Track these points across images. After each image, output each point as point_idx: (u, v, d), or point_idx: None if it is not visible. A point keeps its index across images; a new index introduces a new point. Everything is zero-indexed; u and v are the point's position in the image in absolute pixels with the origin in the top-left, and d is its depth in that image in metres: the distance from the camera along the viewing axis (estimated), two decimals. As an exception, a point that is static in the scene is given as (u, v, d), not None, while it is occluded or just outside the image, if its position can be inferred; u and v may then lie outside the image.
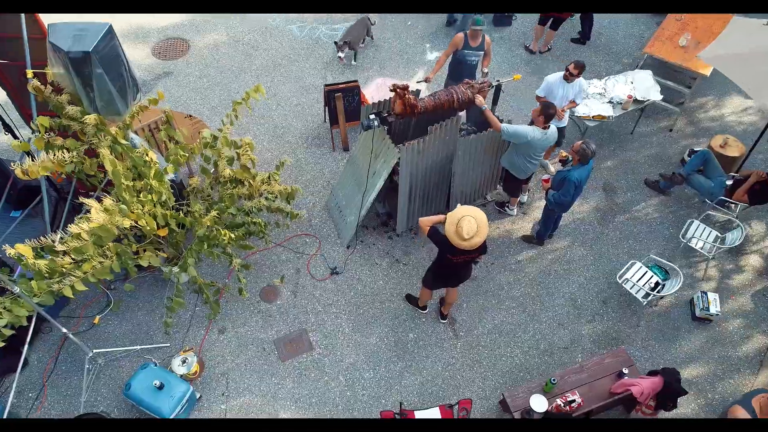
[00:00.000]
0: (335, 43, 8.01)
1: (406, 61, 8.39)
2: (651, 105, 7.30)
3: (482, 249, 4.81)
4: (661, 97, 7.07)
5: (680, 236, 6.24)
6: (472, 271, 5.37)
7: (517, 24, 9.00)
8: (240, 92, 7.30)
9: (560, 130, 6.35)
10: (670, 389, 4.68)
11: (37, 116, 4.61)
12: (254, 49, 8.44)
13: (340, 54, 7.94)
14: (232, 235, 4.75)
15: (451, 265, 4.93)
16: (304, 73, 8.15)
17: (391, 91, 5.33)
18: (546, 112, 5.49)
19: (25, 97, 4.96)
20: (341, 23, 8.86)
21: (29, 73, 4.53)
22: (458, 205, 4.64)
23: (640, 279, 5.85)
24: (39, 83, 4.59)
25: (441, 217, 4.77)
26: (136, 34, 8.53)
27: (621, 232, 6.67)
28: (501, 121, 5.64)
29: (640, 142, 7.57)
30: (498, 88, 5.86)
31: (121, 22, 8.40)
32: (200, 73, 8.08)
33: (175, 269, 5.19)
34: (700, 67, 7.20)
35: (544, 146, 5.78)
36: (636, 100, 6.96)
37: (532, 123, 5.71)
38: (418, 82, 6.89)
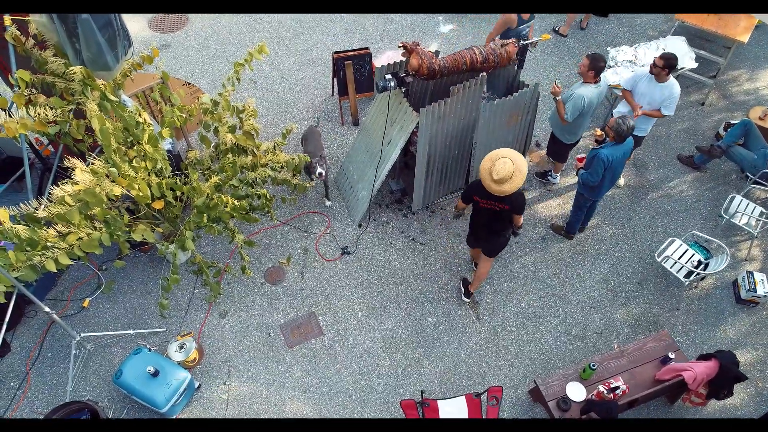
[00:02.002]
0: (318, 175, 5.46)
1: (419, 33, 7.89)
2: (681, 77, 6.80)
3: (516, 204, 4.37)
4: (696, 64, 6.57)
5: (722, 212, 5.74)
6: (503, 237, 4.81)
7: None
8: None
9: (636, 140, 5.60)
10: (728, 374, 4.18)
11: (17, 70, 4.12)
12: (256, 21, 7.95)
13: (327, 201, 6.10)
14: (235, 203, 4.23)
15: (479, 213, 4.59)
16: (309, 45, 7.66)
17: (401, 47, 4.84)
18: (596, 65, 5.04)
19: (3, 52, 4.46)
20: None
21: (7, 20, 4.04)
22: (536, 149, 4.42)
23: (681, 257, 5.34)
24: (18, 32, 4.11)
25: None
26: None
27: (654, 210, 6.16)
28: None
29: (670, 116, 7.05)
30: (524, 50, 5.36)
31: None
32: (199, 46, 7.59)
33: (172, 247, 4.70)
34: (738, 34, 6.69)
35: (600, 101, 5.33)
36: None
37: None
38: None
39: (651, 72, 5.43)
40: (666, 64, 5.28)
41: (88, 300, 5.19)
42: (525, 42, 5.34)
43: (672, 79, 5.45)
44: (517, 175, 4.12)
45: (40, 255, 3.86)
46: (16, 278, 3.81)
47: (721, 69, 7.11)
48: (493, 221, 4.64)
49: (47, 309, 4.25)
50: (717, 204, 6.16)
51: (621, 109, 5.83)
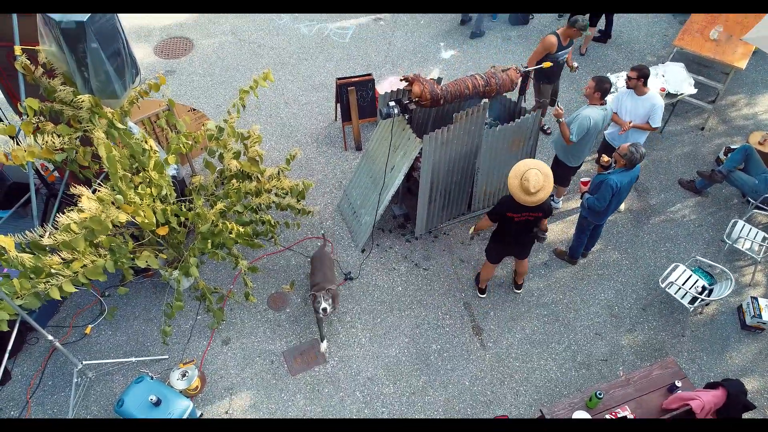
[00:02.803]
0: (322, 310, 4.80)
1: (421, 59, 8.00)
2: (680, 103, 6.89)
3: (546, 208, 4.59)
4: (695, 90, 6.64)
5: (724, 237, 5.75)
6: (531, 236, 4.97)
7: (534, 23, 8.63)
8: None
9: None
10: (736, 403, 4.13)
11: (26, 98, 4.16)
12: (261, 47, 8.07)
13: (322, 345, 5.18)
14: (240, 229, 4.23)
15: (512, 227, 4.73)
16: (312, 71, 7.75)
17: (403, 80, 4.93)
18: (601, 87, 5.13)
19: (13, 81, 4.52)
20: (350, 20, 8.51)
21: (17, 49, 4.10)
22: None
23: (685, 282, 5.33)
24: (28, 62, 4.16)
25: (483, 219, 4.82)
26: (138, 33, 8.17)
27: (657, 235, 6.17)
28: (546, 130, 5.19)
29: (670, 140, 7.11)
30: (526, 77, 5.43)
31: (123, 20, 8.04)
32: (204, 72, 7.68)
33: (176, 273, 4.69)
34: (735, 60, 6.78)
35: (605, 123, 5.41)
36: (669, 94, 6.52)
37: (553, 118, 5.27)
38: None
39: (628, 86, 5.53)
40: (639, 75, 5.38)
41: (90, 327, 5.16)
42: (527, 69, 5.41)
43: (651, 91, 5.55)
44: (548, 181, 4.37)
45: (44, 282, 3.85)
46: (19, 306, 3.80)
47: (720, 94, 7.19)
48: (524, 231, 4.82)
49: (50, 337, 4.22)
50: (719, 229, 6.17)
51: (611, 129, 5.88)
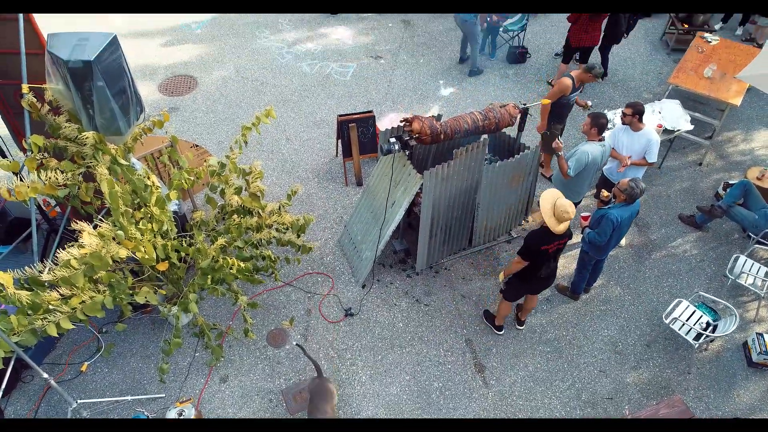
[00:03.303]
0: None
1: (420, 96, 8.14)
2: (677, 138, 6.97)
3: (570, 232, 4.70)
4: (692, 126, 6.73)
5: (726, 273, 5.72)
6: (555, 269, 5.00)
7: (531, 61, 8.82)
8: (249, 125, 7.00)
9: None
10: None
11: (31, 135, 4.21)
12: (263, 85, 8.21)
13: None
14: (241, 264, 4.22)
15: (546, 260, 4.73)
16: (314, 108, 7.87)
17: (403, 122, 5.03)
18: (597, 123, 5.21)
19: (19, 118, 4.58)
20: (353, 62, 8.70)
21: (25, 87, 4.17)
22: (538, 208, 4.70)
23: (689, 318, 5.28)
24: (35, 99, 4.23)
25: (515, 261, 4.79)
26: (143, 71, 8.34)
27: (659, 270, 6.14)
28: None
29: (669, 176, 7.16)
30: (525, 113, 5.51)
31: (128, 59, 8.23)
32: (207, 109, 7.80)
33: (175, 309, 4.65)
34: (730, 97, 6.90)
35: (604, 159, 5.47)
36: (666, 130, 6.61)
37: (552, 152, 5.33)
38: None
39: (623, 123, 5.61)
40: (634, 111, 5.46)
41: (86, 364, 5.07)
42: (525, 105, 5.49)
43: (647, 127, 5.62)
44: (572, 205, 4.45)
45: (41, 319, 3.82)
46: (15, 343, 3.75)
47: (716, 130, 7.28)
48: (553, 260, 4.84)
49: (45, 374, 4.15)
50: (721, 264, 6.15)
51: (609, 165, 5.92)
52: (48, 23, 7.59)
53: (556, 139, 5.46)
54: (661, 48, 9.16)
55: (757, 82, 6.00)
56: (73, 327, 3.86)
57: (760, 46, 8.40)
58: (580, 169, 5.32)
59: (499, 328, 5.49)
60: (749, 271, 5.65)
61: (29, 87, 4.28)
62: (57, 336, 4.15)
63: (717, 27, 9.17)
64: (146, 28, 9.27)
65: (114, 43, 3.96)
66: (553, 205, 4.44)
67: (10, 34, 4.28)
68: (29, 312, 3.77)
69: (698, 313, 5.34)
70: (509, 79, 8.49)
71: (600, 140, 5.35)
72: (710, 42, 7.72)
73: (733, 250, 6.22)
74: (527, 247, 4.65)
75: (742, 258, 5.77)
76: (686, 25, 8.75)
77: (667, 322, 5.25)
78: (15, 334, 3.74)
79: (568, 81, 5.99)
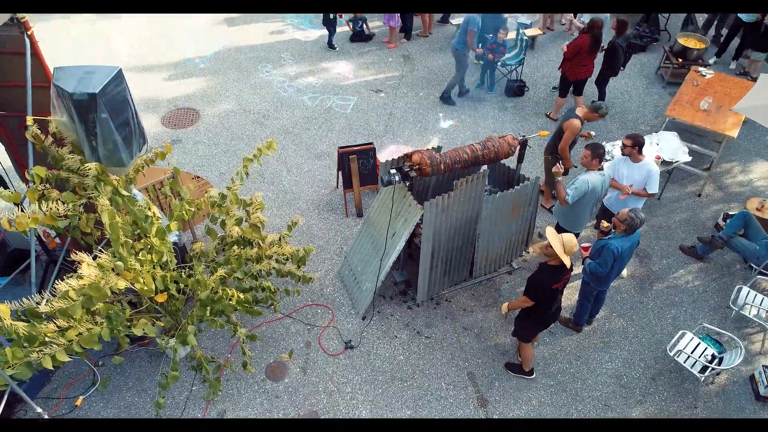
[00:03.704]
0: None
1: (420, 129, 8.23)
2: (676, 170, 7.02)
3: (571, 266, 4.67)
4: (689, 158, 6.78)
5: (730, 304, 5.68)
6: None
7: (529, 94, 8.95)
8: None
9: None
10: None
11: (34, 166, 4.24)
12: (265, 118, 8.32)
13: None
14: (240, 296, 4.18)
15: (556, 296, 4.74)
16: (315, 140, 7.95)
17: (403, 157, 5.10)
18: (596, 153, 5.28)
19: (23, 149, 4.62)
20: (354, 95, 8.83)
21: (29, 120, 4.22)
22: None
23: (694, 350, 5.20)
24: (39, 131, 4.27)
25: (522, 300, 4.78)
26: (147, 104, 8.46)
27: (662, 302, 6.09)
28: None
29: (669, 207, 7.18)
30: (524, 145, 5.56)
31: (132, 92, 8.36)
32: (209, 141, 7.88)
33: (172, 341, 4.59)
34: (727, 130, 6.97)
35: (604, 188, 5.50)
36: (664, 161, 6.65)
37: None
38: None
39: (623, 153, 5.65)
40: (634, 143, 5.51)
41: (81, 398, 4.97)
42: (525, 137, 5.55)
43: (647, 159, 5.66)
44: (573, 237, 4.51)
45: (37, 351, 3.76)
46: (10, 376, 3.69)
47: (714, 162, 7.33)
48: (560, 295, 4.86)
49: (38, 409, 4.07)
50: (724, 295, 6.10)
51: (609, 195, 5.95)
52: (55, 57, 7.76)
53: (557, 164, 5.50)
54: (657, 82, 9.31)
55: (753, 114, 6.08)
56: (69, 360, 3.80)
57: (754, 80, 8.55)
58: (578, 197, 5.33)
59: (530, 372, 5.38)
60: (752, 302, 5.60)
61: (34, 119, 4.33)
62: (52, 369, 4.09)
63: (711, 61, 9.35)
64: (151, 62, 9.45)
65: (119, 77, 4.02)
66: (562, 243, 4.43)
67: (18, 67, 4.35)
68: (25, 344, 3.72)
69: (703, 345, 5.27)
70: (508, 112, 8.61)
71: (599, 170, 5.39)
72: (705, 75, 7.86)
73: (735, 281, 6.19)
74: (539, 288, 4.62)
75: (745, 289, 5.73)
76: (680, 60, 8.93)
77: (671, 354, 5.18)
78: (10, 366, 3.68)
79: (577, 122, 6.11)
